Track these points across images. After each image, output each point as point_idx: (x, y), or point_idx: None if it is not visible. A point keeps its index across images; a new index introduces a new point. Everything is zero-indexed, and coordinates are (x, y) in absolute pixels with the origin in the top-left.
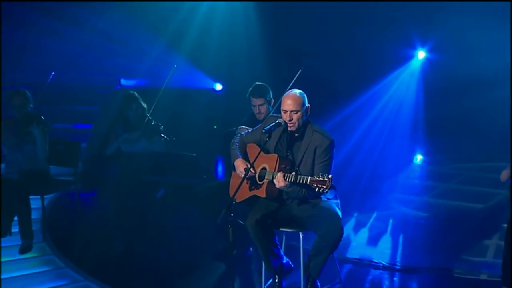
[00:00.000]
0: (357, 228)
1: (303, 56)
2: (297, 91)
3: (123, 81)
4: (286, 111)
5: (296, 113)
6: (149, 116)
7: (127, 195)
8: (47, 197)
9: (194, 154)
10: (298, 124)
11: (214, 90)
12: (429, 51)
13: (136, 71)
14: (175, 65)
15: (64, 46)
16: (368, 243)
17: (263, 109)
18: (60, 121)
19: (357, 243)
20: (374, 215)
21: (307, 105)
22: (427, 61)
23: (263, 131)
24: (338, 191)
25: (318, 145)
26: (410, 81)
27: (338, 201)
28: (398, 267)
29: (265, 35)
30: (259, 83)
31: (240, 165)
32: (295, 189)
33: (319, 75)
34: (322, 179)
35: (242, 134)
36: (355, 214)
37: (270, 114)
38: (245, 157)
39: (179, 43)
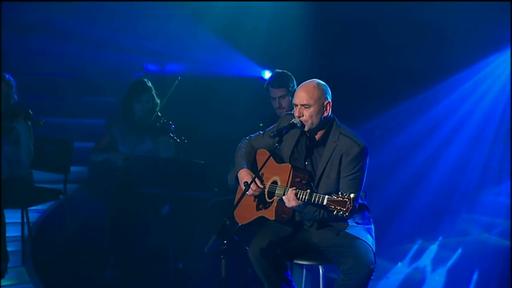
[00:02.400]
0: (413, 259)
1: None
2: (315, 81)
3: (148, 66)
4: (297, 105)
5: (308, 108)
6: (158, 111)
7: (122, 210)
8: (37, 210)
9: (202, 162)
10: (312, 123)
11: (262, 78)
12: None
13: (165, 55)
14: (179, 77)
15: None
16: (424, 279)
17: (285, 102)
18: (62, 115)
19: (410, 279)
20: (438, 241)
21: (326, 100)
22: None
23: (271, 134)
24: (380, 210)
25: (344, 153)
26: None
27: (371, 226)
28: None
29: (319, 18)
30: (280, 70)
31: (244, 178)
32: (310, 210)
33: (386, 62)
34: (341, 198)
35: (251, 137)
36: (414, 241)
37: (287, 112)
38: (254, 167)
39: (215, 24)
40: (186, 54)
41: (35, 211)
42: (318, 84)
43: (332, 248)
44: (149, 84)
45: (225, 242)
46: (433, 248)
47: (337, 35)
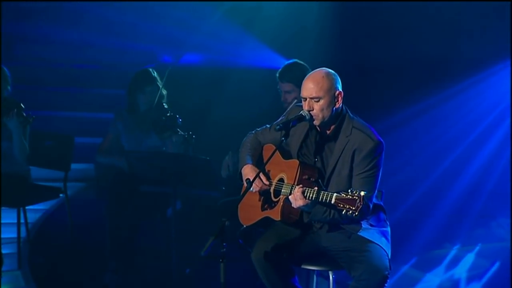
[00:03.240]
0: (443, 267)
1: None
2: (324, 70)
3: (163, 57)
4: (305, 98)
5: (318, 101)
6: (165, 103)
7: (124, 211)
8: (37, 209)
9: (208, 158)
10: (323, 117)
11: None
12: None
13: (183, 44)
14: (169, 67)
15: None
16: None
17: (291, 98)
18: (67, 108)
19: None
20: (477, 248)
21: (337, 90)
22: None
23: (277, 128)
24: (406, 212)
25: (357, 148)
26: None
27: (387, 229)
28: None
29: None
30: (292, 60)
31: (248, 174)
32: (319, 211)
33: (418, 51)
34: (350, 196)
35: (258, 131)
36: (443, 246)
37: (296, 103)
38: (260, 164)
39: (236, 13)
40: (204, 43)
41: (35, 211)
42: (327, 73)
43: (344, 253)
44: (154, 74)
45: (224, 244)
46: (466, 255)
47: (363, 21)
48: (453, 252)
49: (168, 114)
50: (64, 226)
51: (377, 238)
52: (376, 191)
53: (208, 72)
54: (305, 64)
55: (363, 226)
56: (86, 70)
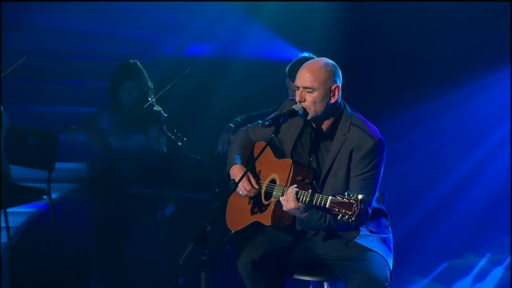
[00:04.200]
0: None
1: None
2: (322, 60)
3: (166, 48)
4: (298, 88)
5: (311, 92)
6: (153, 99)
7: (111, 215)
8: (21, 212)
9: (199, 157)
10: (315, 111)
11: None
12: None
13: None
14: (188, 68)
15: None
16: None
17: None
18: (55, 102)
19: None
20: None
21: (335, 83)
22: None
23: (266, 123)
24: (419, 218)
25: (355, 147)
26: None
27: (389, 235)
28: None
29: None
30: (304, 55)
31: (236, 175)
32: (313, 217)
33: (440, 45)
34: (346, 200)
35: (249, 127)
36: (462, 255)
37: (290, 98)
38: (251, 162)
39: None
40: (212, 33)
41: (20, 214)
42: (326, 63)
43: (340, 261)
44: (136, 67)
45: (205, 252)
46: (495, 267)
47: (383, 13)
48: (479, 262)
49: (154, 109)
50: (50, 230)
51: (377, 245)
52: (377, 194)
53: (210, 63)
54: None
55: (361, 232)
56: (78, 61)
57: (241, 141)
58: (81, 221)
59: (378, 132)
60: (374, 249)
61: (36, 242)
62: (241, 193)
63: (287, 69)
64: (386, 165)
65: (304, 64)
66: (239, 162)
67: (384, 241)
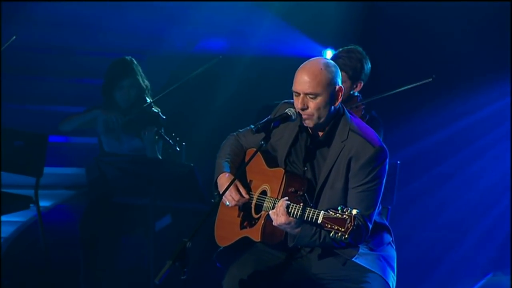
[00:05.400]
0: None
1: None
2: (322, 61)
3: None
4: (298, 94)
5: (314, 98)
6: (151, 100)
7: (100, 227)
8: (12, 221)
9: (192, 164)
10: (319, 118)
11: None
12: None
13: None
14: (220, 56)
15: None
16: None
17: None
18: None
19: None
20: None
21: (337, 85)
22: None
23: (254, 128)
24: (441, 231)
25: (354, 156)
26: None
27: (392, 253)
28: None
29: None
30: (350, 47)
31: (224, 185)
32: (306, 233)
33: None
34: (339, 215)
35: (240, 132)
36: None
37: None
38: (241, 171)
39: None
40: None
41: (9, 224)
42: (327, 64)
43: (337, 283)
44: (134, 64)
45: (185, 270)
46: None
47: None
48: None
49: (153, 109)
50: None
51: (377, 265)
52: (380, 207)
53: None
54: (361, 51)
55: (360, 250)
56: (78, 57)
57: (231, 147)
58: (73, 231)
59: (380, 139)
60: (374, 270)
61: (24, 254)
62: (227, 203)
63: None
64: (405, 176)
65: (302, 67)
66: (228, 171)
67: (386, 260)
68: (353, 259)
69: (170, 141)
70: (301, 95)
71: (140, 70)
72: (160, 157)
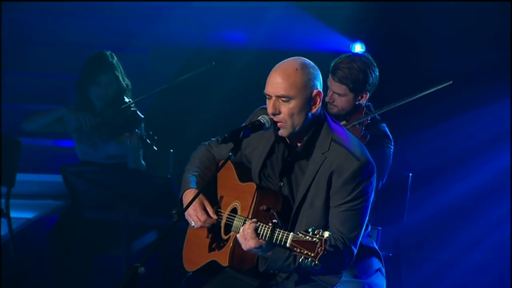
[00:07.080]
0: None
1: None
2: (299, 61)
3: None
4: (270, 97)
5: (287, 102)
6: (130, 101)
7: (71, 245)
8: None
9: (169, 176)
10: (293, 125)
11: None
12: None
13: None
14: (213, 62)
15: None
16: None
17: (341, 102)
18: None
19: None
20: None
21: (315, 89)
22: None
23: (220, 138)
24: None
25: (336, 170)
26: None
27: (380, 282)
28: None
29: None
30: (357, 53)
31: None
32: (279, 254)
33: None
34: (309, 238)
35: (212, 141)
36: None
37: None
38: (212, 186)
39: None
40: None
41: None
42: (303, 64)
43: None
44: (112, 59)
45: None
46: None
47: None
48: None
49: (132, 110)
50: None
51: None
52: (369, 229)
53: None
54: (371, 60)
55: (343, 278)
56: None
57: (201, 159)
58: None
59: (366, 152)
60: None
61: None
62: (193, 224)
63: (332, 63)
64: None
65: (276, 67)
66: (194, 186)
67: (372, 287)
68: (334, 287)
69: (148, 140)
70: (273, 98)
71: (121, 66)
72: (144, 164)
